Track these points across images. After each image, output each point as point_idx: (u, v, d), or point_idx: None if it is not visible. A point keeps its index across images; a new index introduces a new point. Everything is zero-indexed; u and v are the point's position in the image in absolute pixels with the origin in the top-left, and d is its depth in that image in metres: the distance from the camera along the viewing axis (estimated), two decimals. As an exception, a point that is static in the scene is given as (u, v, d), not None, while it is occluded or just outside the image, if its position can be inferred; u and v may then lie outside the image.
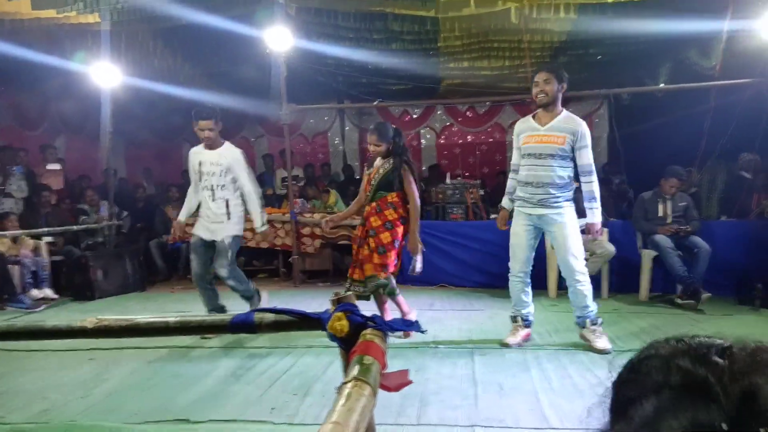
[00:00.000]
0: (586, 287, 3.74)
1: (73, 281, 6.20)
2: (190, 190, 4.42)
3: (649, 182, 5.66)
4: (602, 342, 3.65)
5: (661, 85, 7.18)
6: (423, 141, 10.74)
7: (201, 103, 7.91)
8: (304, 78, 7.28)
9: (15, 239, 5.83)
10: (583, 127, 3.70)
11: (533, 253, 3.90)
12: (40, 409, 2.81)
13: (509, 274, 3.92)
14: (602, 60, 7.34)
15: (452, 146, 10.69)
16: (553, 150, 3.66)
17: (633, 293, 5.53)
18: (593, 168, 3.74)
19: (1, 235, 5.52)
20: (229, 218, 4.25)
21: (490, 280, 6.03)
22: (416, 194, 3.98)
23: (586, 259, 5.40)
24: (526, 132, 3.80)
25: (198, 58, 7.30)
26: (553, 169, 3.67)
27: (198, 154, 4.29)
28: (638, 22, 5.67)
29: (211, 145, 4.26)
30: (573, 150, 3.68)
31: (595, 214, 3.76)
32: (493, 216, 6.58)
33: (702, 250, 5.00)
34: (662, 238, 5.14)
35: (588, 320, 3.73)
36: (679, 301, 5.05)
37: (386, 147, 3.95)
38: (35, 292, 5.72)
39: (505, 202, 4.02)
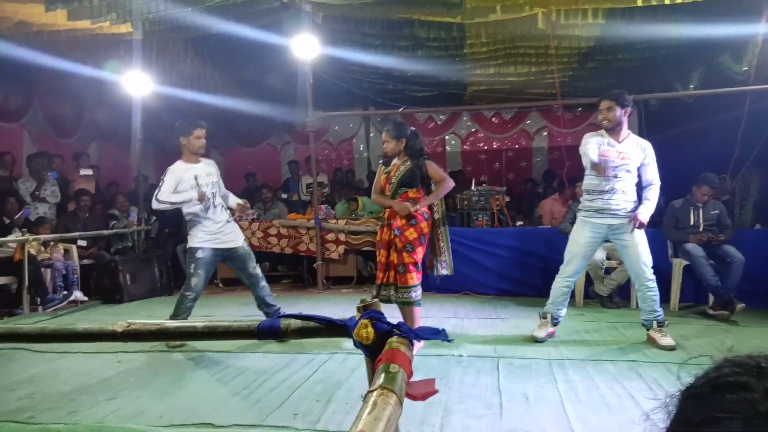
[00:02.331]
0: (655, 293, 3.99)
1: (102, 285, 6.33)
2: (167, 202, 4.19)
3: (681, 190, 5.54)
4: (667, 340, 3.87)
5: (692, 89, 7.03)
6: (448, 147, 10.72)
7: (229, 111, 8.09)
8: (330, 85, 7.33)
9: (46, 244, 5.98)
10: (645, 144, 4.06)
11: (588, 263, 4.18)
12: (69, 410, 2.87)
13: (558, 276, 4.16)
14: (631, 65, 7.23)
15: (477, 152, 10.63)
16: (626, 165, 3.95)
17: (663, 303, 5.37)
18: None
19: (35, 239, 5.66)
20: (230, 221, 4.36)
21: (516, 287, 5.98)
22: (447, 175, 4.05)
23: (614, 268, 5.33)
24: (597, 145, 3.99)
25: (226, 66, 7.42)
26: (626, 180, 3.96)
27: (189, 170, 4.24)
28: (668, 27, 5.57)
29: (197, 159, 4.32)
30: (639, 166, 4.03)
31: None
32: (519, 223, 6.54)
33: (736, 260, 4.86)
34: (694, 247, 5.02)
35: (655, 322, 3.98)
36: (711, 311, 4.92)
37: (396, 143, 3.94)
38: (66, 294, 5.85)
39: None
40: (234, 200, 4.55)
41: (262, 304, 4.40)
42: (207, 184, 4.24)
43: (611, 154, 3.93)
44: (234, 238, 4.32)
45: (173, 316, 4.14)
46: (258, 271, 4.39)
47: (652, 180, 4.04)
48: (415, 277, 3.85)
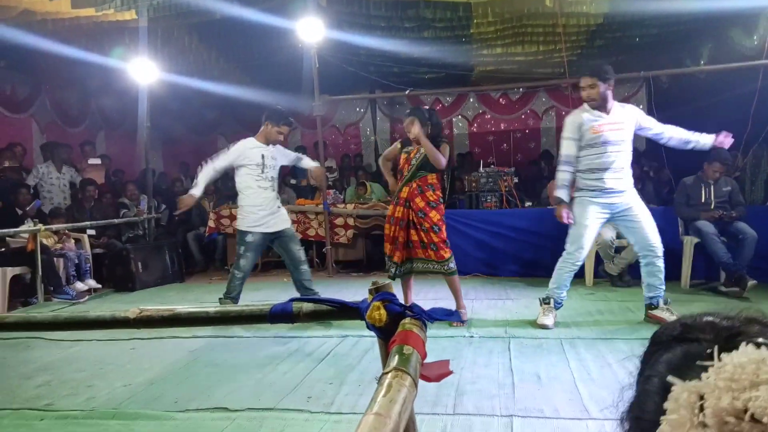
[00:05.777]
0: (662, 268, 3.91)
1: (114, 273, 6.38)
2: (211, 169, 4.37)
3: (691, 167, 5.48)
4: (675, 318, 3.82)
5: (702, 65, 6.92)
6: (455, 129, 10.64)
7: (235, 98, 8.06)
8: (335, 69, 7.28)
9: (59, 234, 6.02)
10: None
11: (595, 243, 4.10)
12: (86, 396, 2.91)
13: (563, 259, 4.02)
14: (640, 42, 7.12)
15: (485, 134, 10.55)
16: (622, 133, 3.87)
17: (674, 281, 5.37)
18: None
19: (47, 229, 5.70)
20: (281, 207, 4.50)
21: (525, 269, 5.96)
22: (442, 158, 4.04)
23: (624, 247, 5.30)
24: (590, 123, 3.90)
25: (232, 51, 7.38)
26: (625, 153, 3.88)
27: (259, 148, 4.40)
28: (677, 1, 5.48)
29: (268, 143, 4.46)
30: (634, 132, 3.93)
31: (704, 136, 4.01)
32: (527, 204, 6.51)
33: (748, 236, 4.82)
34: (705, 224, 4.97)
35: (660, 300, 3.92)
36: (723, 288, 4.90)
37: (423, 127, 4.04)
38: (79, 285, 5.89)
39: (563, 194, 3.99)
40: (309, 162, 4.76)
41: (300, 287, 4.46)
42: (270, 166, 4.41)
43: (604, 127, 3.85)
44: (282, 222, 4.45)
45: (226, 294, 4.37)
46: (301, 254, 4.51)
47: (657, 125, 3.97)
48: (448, 251, 4.04)
